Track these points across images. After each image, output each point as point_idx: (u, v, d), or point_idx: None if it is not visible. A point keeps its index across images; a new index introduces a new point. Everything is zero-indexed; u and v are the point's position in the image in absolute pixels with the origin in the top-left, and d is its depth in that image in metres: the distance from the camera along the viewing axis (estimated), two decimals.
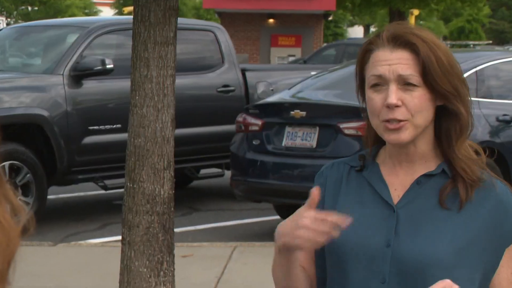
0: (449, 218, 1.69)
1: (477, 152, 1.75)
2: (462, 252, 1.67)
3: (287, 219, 1.67)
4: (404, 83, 1.67)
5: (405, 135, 1.68)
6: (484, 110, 6.38)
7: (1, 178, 1.14)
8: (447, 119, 1.71)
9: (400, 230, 1.69)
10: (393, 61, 1.68)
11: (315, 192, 1.62)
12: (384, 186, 1.74)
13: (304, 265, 1.80)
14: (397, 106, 1.66)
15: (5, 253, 1.13)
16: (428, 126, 1.71)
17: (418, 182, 1.72)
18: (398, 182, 1.74)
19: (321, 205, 1.75)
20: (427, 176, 1.72)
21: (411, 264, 1.65)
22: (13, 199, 1.16)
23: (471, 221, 1.69)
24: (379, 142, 1.77)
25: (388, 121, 1.67)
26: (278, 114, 6.57)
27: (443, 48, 1.70)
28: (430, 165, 1.73)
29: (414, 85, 1.67)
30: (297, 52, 23.92)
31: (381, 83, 1.69)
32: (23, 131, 6.97)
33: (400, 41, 1.68)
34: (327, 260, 1.77)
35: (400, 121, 1.67)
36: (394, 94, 1.66)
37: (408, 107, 1.67)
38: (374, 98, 1.69)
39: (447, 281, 1.56)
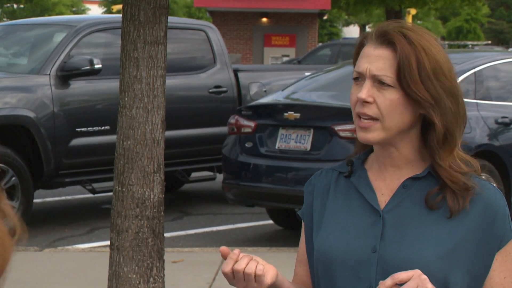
0: (436, 221, 1.68)
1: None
2: (449, 256, 1.66)
3: None
4: (379, 82, 1.68)
5: (373, 135, 1.68)
6: (483, 112, 6.30)
7: None
8: (428, 128, 1.71)
9: (386, 235, 1.70)
10: (372, 59, 1.69)
11: (223, 252, 1.67)
12: (371, 191, 1.75)
13: (304, 280, 1.83)
14: (367, 102, 1.67)
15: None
16: (409, 131, 1.70)
17: (404, 185, 1.73)
18: (385, 186, 1.75)
19: (310, 213, 1.81)
20: (413, 179, 1.72)
21: (397, 269, 1.62)
22: (5, 206, 1.12)
23: (458, 224, 1.68)
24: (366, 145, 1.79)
25: (360, 116, 1.69)
26: (272, 116, 6.51)
27: (432, 54, 1.67)
28: (416, 168, 1.73)
29: (389, 85, 1.67)
30: (291, 52, 23.95)
31: (361, 77, 1.71)
32: (8, 132, 6.85)
33: (384, 39, 1.69)
34: (316, 268, 1.78)
35: (370, 118, 1.68)
36: (365, 90, 1.67)
37: (379, 106, 1.67)
38: (353, 92, 1.72)
39: (417, 271, 1.57)
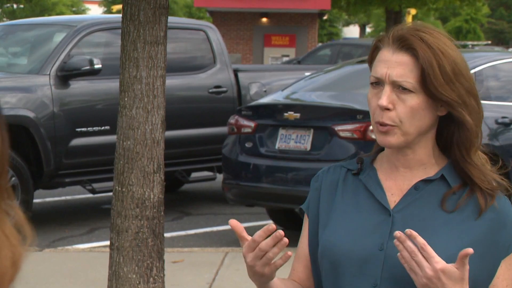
0: (446, 224, 1.69)
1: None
2: (455, 259, 1.64)
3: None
4: (399, 87, 1.68)
5: (393, 139, 1.69)
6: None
7: (3, 191, 1.08)
8: (456, 128, 1.71)
9: None
10: (392, 64, 1.68)
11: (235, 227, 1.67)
12: (381, 190, 1.75)
13: (301, 277, 1.84)
14: (387, 109, 1.67)
15: (11, 271, 1.06)
16: (427, 134, 1.71)
17: (416, 187, 1.73)
18: (395, 187, 1.75)
19: (316, 210, 1.80)
20: (425, 181, 1.72)
21: (403, 268, 1.62)
22: (17, 212, 1.10)
23: (467, 229, 1.69)
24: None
25: (379, 123, 1.70)
26: (272, 116, 6.51)
27: (451, 57, 1.67)
28: (428, 171, 1.73)
29: (410, 91, 1.67)
30: (291, 52, 23.95)
31: (379, 82, 1.70)
32: (8, 132, 6.83)
33: (403, 44, 1.68)
34: (321, 265, 1.77)
35: (388, 125, 1.69)
36: (386, 97, 1.67)
37: (398, 113, 1.68)
38: (371, 98, 1.71)
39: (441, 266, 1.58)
